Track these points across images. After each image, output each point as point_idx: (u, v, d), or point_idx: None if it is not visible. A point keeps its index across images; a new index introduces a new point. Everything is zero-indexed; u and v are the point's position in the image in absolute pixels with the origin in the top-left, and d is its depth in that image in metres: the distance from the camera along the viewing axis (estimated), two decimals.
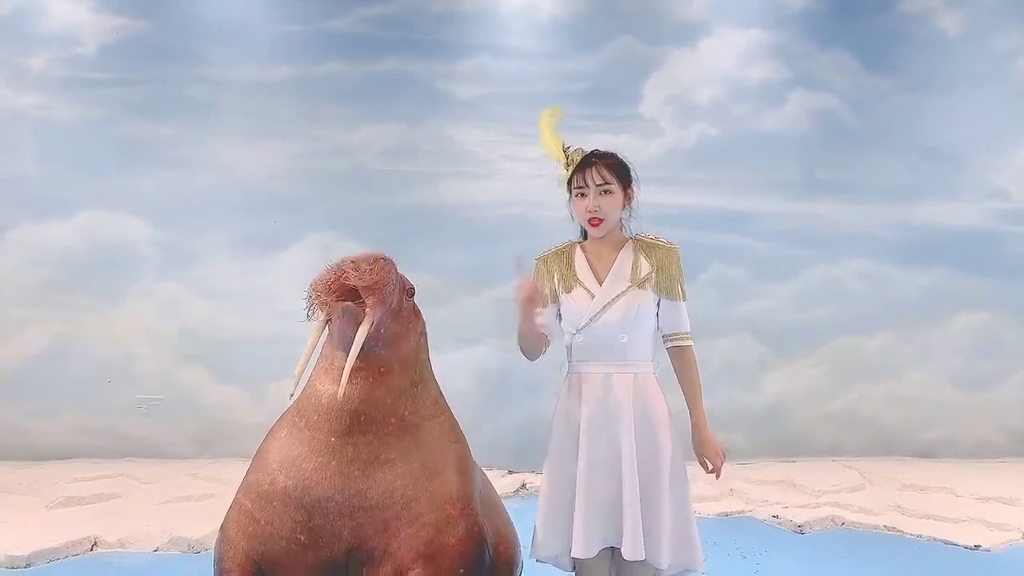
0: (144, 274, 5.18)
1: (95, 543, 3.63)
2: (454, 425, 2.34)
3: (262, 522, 2.10)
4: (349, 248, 5.03)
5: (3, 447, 4.99)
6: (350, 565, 2.10)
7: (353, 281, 1.98)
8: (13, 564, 3.36)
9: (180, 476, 4.66)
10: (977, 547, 3.72)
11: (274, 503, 2.09)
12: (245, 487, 2.19)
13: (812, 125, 5.39)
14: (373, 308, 2.00)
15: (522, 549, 2.51)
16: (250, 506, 2.14)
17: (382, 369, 2.13)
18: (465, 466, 2.30)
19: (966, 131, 5.37)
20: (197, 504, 4.14)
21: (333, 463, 2.07)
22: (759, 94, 5.38)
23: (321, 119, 5.24)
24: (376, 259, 2.04)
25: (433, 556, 2.09)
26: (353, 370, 2.02)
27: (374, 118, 5.25)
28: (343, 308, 1.99)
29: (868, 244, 5.41)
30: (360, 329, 1.99)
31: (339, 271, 2.01)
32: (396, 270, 2.10)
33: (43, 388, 5.09)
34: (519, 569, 2.48)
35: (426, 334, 2.32)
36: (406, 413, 2.17)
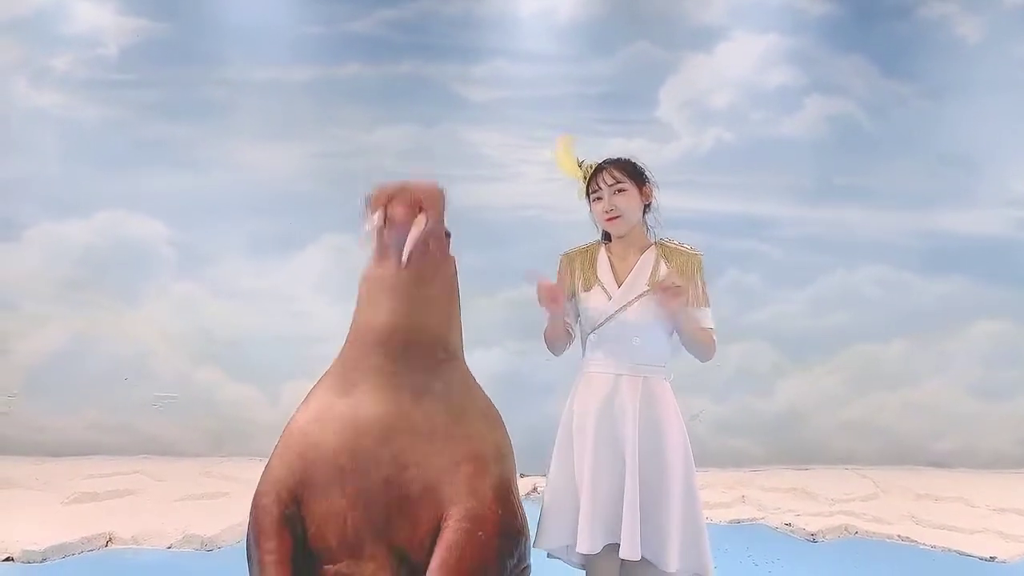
0: (161, 273, 5.23)
1: (110, 539, 3.66)
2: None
3: (311, 443, 2.12)
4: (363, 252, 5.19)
5: (21, 443, 5.04)
6: (387, 502, 2.08)
7: (411, 190, 2.07)
8: (29, 559, 3.40)
9: (194, 474, 4.70)
10: (992, 559, 3.68)
11: (326, 423, 2.13)
12: (304, 409, 2.23)
13: (829, 130, 5.36)
14: (426, 214, 2.06)
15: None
16: (303, 425, 2.18)
17: (430, 291, 2.16)
18: (496, 415, 2.34)
19: (985, 137, 5.32)
20: (210, 502, 4.18)
21: (385, 386, 2.11)
22: (776, 99, 5.35)
23: (338, 120, 5.27)
24: (431, 182, 2.14)
25: (475, 492, 2.09)
26: (403, 284, 2.08)
27: (391, 120, 5.27)
28: (399, 209, 2.04)
29: (886, 251, 5.37)
30: (414, 228, 2.04)
31: (397, 185, 2.08)
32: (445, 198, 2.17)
33: (60, 385, 5.14)
34: (527, 555, 2.44)
35: (457, 276, 2.32)
36: (450, 346, 2.23)
